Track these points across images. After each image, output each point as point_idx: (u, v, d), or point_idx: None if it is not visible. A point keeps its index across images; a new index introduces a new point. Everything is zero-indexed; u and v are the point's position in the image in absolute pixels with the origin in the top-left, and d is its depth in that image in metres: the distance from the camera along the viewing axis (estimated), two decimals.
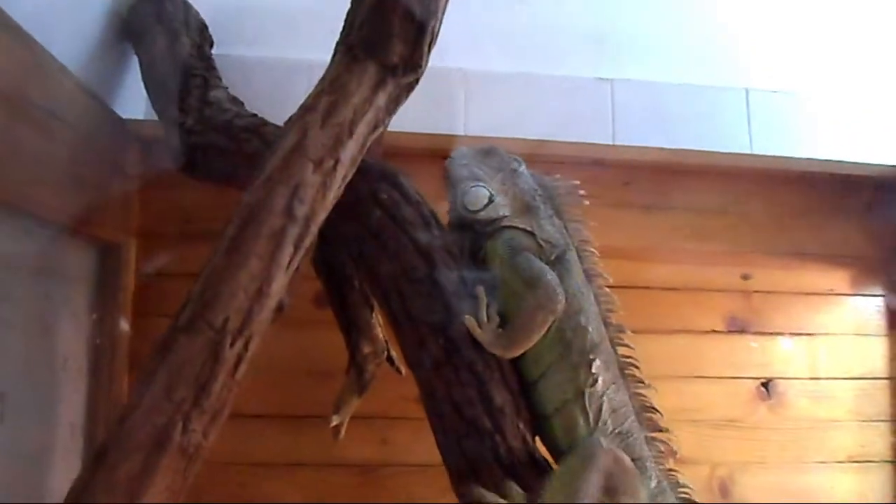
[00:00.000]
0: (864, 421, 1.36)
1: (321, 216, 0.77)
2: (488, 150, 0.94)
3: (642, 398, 0.88)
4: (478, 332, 0.82)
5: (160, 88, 1.07)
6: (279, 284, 0.71)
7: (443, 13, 0.90)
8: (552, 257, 0.87)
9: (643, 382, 0.89)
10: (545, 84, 1.47)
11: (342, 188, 0.81)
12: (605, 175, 1.33)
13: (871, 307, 1.40)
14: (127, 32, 1.16)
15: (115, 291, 1.12)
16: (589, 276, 0.90)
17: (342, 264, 1.02)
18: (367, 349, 1.06)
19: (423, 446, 0.93)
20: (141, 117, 1.17)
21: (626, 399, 0.87)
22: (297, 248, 0.73)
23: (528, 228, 0.88)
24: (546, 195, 0.92)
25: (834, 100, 1.51)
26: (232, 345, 0.66)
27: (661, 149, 1.29)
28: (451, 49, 1.16)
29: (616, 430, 0.84)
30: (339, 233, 0.88)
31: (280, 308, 0.73)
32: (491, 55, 1.43)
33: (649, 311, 1.32)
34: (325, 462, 1.20)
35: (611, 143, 1.31)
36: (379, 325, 1.07)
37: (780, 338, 1.35)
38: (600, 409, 0.83)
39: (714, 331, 1.33)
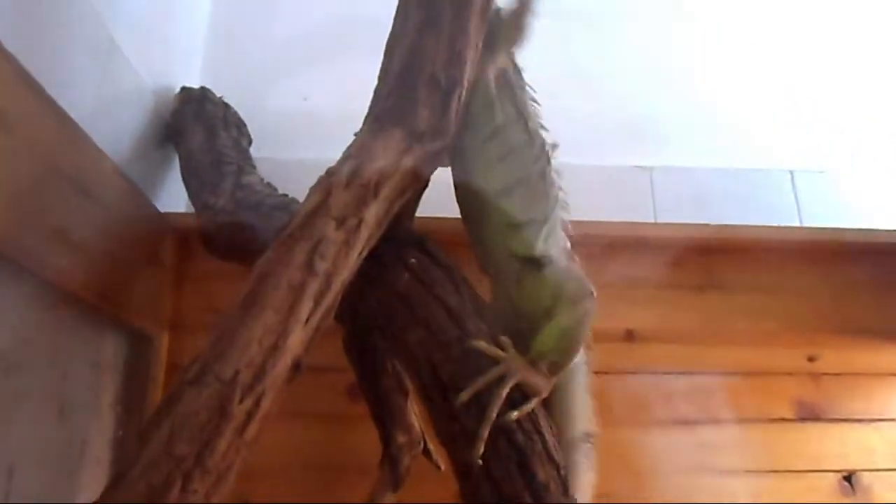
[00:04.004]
0: None
1: (344, 274, 0.73)
2: None
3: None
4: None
5: (196, 177, 1.10)
6: (297, 340, 0.66)
7: (468, 81, 0.91)
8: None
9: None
10: (583, 175, 1.46)
11: (367, 250, 0.78)
12: (649, 256, 1.27)
13: None
14: (170, 133, 1.21)
15: (144, 383, 1.08)
16: None
17: (374, 348, 0.98)
18: (401, 439, 1.00)
19: None
20: (178, 211, 1.20)
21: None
22: (317, 303, 0.69)
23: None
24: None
25: (886, 175, 1.46)
26: (241, 401, 0.60)
27: (706, 225, 1.24)
28: None
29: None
30: (365, 301, 0.84)
31: (297, 367, 0.68)
32: None
33: (709, 400, 1.21)
34: None
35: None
36: (414, 413, 1.01)
37: (858, 424, 1.21)
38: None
39: (783, 419, 1.21)
